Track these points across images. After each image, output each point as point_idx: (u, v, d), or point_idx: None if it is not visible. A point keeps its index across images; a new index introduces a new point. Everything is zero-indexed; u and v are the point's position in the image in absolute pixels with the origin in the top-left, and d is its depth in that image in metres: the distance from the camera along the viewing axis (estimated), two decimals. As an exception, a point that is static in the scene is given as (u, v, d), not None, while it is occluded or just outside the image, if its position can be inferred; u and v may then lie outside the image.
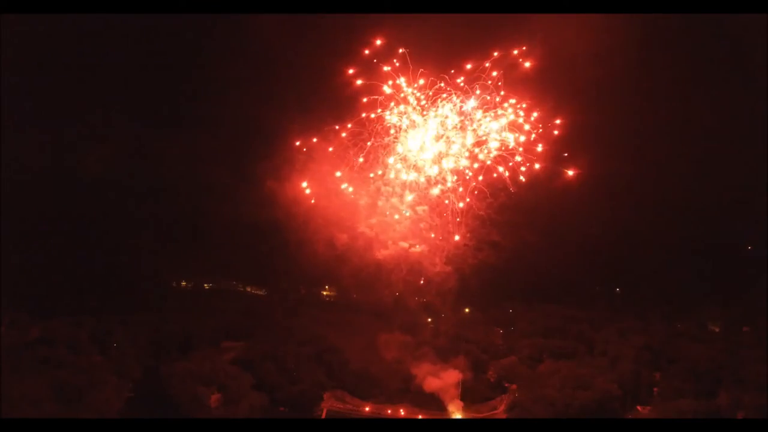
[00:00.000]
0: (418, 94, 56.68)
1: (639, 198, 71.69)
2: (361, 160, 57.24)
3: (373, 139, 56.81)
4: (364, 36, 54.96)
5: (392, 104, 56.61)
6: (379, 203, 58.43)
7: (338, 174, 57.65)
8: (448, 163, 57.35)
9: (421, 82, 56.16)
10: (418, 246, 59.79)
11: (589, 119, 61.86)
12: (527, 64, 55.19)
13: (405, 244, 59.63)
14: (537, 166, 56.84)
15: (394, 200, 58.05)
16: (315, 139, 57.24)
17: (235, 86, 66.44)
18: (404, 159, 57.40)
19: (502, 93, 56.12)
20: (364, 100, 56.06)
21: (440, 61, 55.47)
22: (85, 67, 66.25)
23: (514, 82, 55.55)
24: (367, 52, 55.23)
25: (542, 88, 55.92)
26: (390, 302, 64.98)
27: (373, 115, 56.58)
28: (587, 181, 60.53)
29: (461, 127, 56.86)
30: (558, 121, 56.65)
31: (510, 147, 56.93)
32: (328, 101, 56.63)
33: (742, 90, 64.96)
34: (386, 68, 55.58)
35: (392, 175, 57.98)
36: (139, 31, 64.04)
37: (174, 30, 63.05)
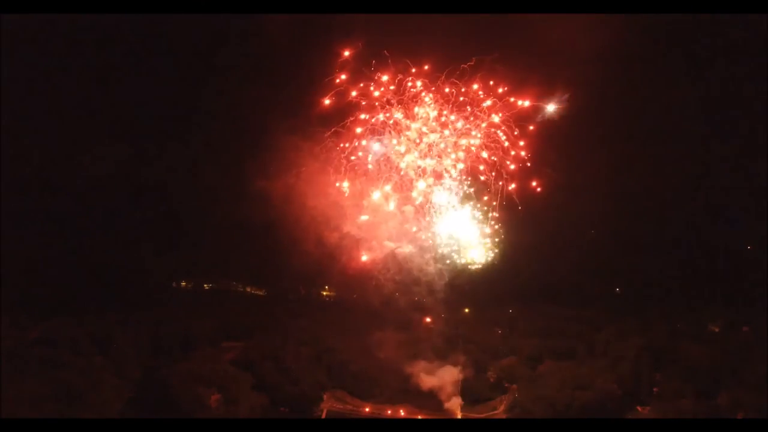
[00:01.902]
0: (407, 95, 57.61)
1: (639, 198, 71.64)
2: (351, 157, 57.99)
3: (356, 140, 57.73)
4: (348, 39, 55.93)
5: (378, 105, 57.63)
6: (365, 203, 59.22)
7: (329, 176, 58.56)
8: (431, 165, 58.18)
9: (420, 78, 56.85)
10: (405, 246, 60.53)
11: (587, 119, 62.35)
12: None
13: (392, 245, 60.32)
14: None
15: (378, 201, 58.92)
16: (305, 142, 58.05)
17: (231, 90, 66.62)
18: (387, 160, 58.15)
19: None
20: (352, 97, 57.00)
21: (424, 63, 56.30)
22: (81, 70, 66.30)
23: (502, 83, 56.34)
24: (347, 54, 56.16)
25: (535, 88, 56.41)
26: (389, 302, 65.13)
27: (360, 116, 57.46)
28: (586, 181, 61.09)
29: (441, 130, 57.75)
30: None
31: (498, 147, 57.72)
32: (315, 104, 57.42)
33: (744, 89, 64.90)
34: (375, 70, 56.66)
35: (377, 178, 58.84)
36: (133, 34, 64.15)
37: (167, 32, 63.11)
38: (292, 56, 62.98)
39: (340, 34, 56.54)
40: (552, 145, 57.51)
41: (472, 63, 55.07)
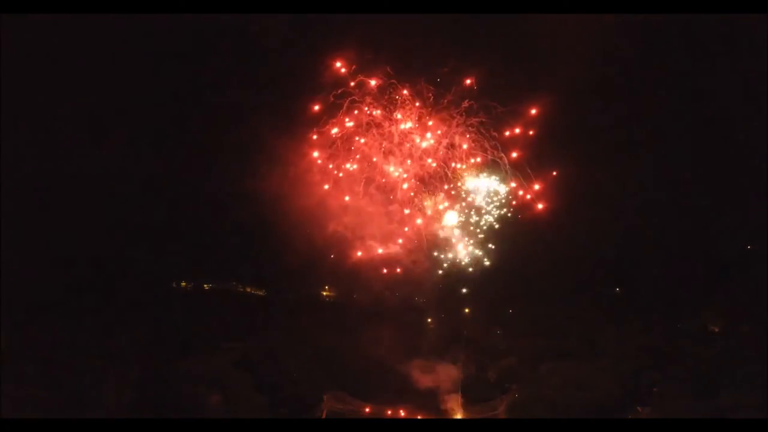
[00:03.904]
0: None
1: (639, 198, 71.57)
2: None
3: (338, 141, 59.59)
4: (334, 41, 56.74)
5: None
6: (347, 199, 60.31)
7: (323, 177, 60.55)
8: (413, 168, 58.96)
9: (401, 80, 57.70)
10: (399, 247, 61.26)
11: (586, 120, 62.48)
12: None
13: (387, 245, 61.11)
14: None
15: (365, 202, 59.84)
16: (299, 144, 59.01)
17: (228, 91, 66.77)
18: (372, 161, 59.01)
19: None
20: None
21: (406, 66, 57.20)
22: (75, 70, 66.26)
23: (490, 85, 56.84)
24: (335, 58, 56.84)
25: (528, 87, 56.74)
26: (388, 303, 65.47)
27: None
28: (586, 181, 61.16)
29: (423, 132, 58.55)
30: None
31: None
32: (307, 106, 58.16)
33: (742, 87, 64.88)
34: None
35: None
36: (131, 35, 64.22)
37: (165, 33, 63.24)
38: (282, 57, 63.45)
39: (327, 36, 57.63)
40: (548, 145, 57.86)
41: (447, 69, 56.23)
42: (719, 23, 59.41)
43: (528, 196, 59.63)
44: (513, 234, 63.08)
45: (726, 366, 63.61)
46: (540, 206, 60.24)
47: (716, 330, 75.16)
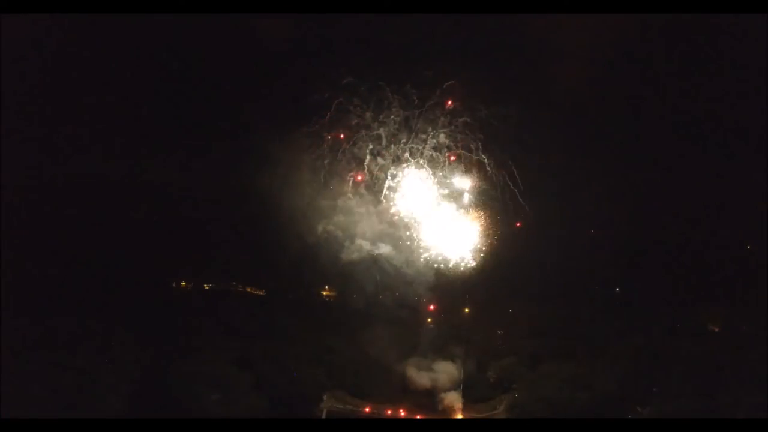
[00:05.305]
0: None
1: (638, 198, 71.70)
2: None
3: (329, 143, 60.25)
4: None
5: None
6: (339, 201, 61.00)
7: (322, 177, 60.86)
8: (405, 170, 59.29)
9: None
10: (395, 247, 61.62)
11: (581, 118, 62.66)
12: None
13: (383, 245, 61.43)
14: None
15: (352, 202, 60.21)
16: (297, 145, 59.36)
17: (224, 91, 67.11)
18: (362, 162, 59.52)
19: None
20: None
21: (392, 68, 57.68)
22: (73, 70, 66.40)
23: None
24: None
25: (517, 89, 57.04)
26: (388, 303, 65.57)
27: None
28: (585, 181, 61.27)
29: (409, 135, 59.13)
30: None
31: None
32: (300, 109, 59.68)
33: (740, 87, 64.96)
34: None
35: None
36: (131, 37, 64.40)
37: (165, 35, 63.42)
38: (275, 61, 63.75)
39: (319, 39, 58.16)
40: (545, 143, 58.05)
41: (430, 73, 56.75)
42: (713, 23, 59.53)
43: (522, 198, 59.96)
44: (512, 234, 63.14)
45: (726, 366, 63.52)
46: (533, 206, 60.67)
47: (716, 330, 75.24)
